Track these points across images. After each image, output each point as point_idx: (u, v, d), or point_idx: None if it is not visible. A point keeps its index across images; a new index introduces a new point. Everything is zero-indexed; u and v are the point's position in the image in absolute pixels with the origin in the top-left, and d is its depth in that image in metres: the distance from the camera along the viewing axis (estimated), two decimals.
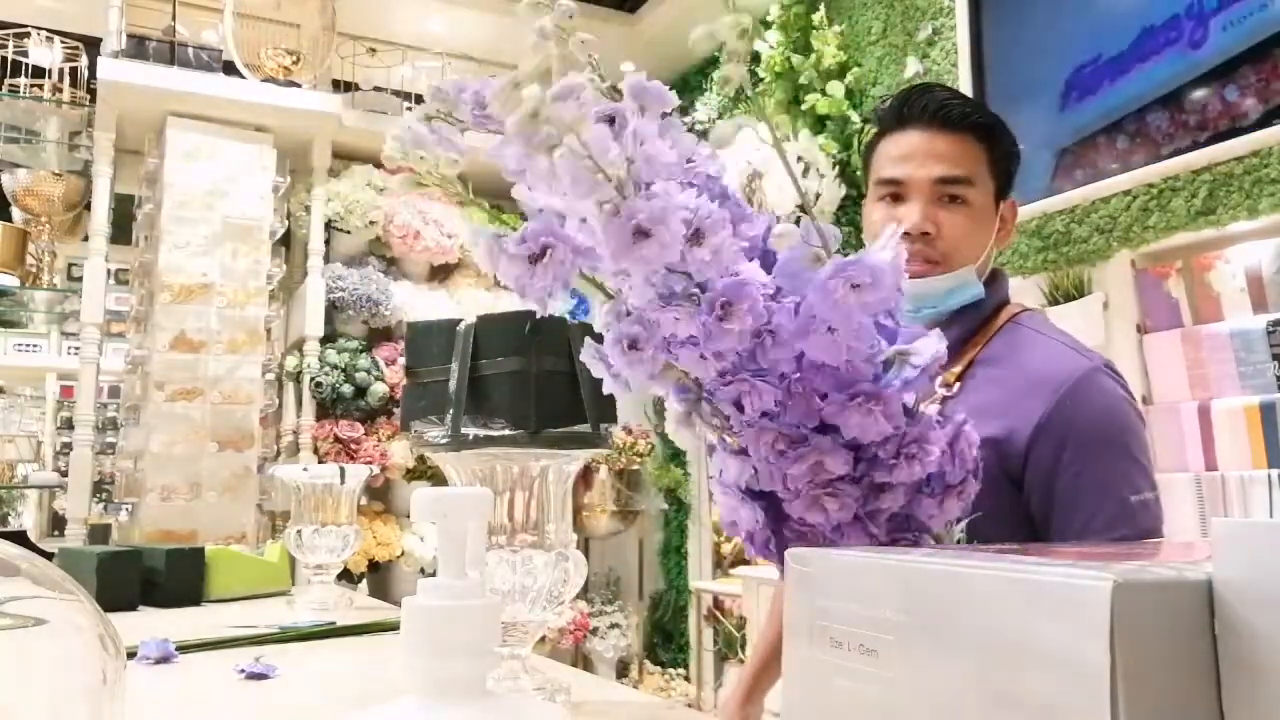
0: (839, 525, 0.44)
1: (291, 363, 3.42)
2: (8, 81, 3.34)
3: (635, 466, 3.94)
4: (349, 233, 3.56)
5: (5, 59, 3.36)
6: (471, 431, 0.80)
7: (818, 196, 3.15)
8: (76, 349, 3.36)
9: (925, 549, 0.43)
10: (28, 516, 4.37)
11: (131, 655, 1.02)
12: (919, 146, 1.13)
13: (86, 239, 3.32)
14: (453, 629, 0.41)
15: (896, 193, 1.14)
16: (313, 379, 3.37)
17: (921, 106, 1.14)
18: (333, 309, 3.46)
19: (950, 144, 1.12)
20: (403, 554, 3.45)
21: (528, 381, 0.80)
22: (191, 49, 3.27)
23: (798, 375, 0.42)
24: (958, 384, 1.07)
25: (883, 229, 0.97)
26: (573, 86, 0.37)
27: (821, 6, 3.31)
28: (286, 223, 3.44)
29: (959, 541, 0.50)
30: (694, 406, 0.45)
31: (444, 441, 0.80)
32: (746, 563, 3.26)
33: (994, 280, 1.17)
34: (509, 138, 0.38)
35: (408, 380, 0.89)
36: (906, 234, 1.08)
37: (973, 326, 1.13)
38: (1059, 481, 1.02)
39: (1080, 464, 1.02)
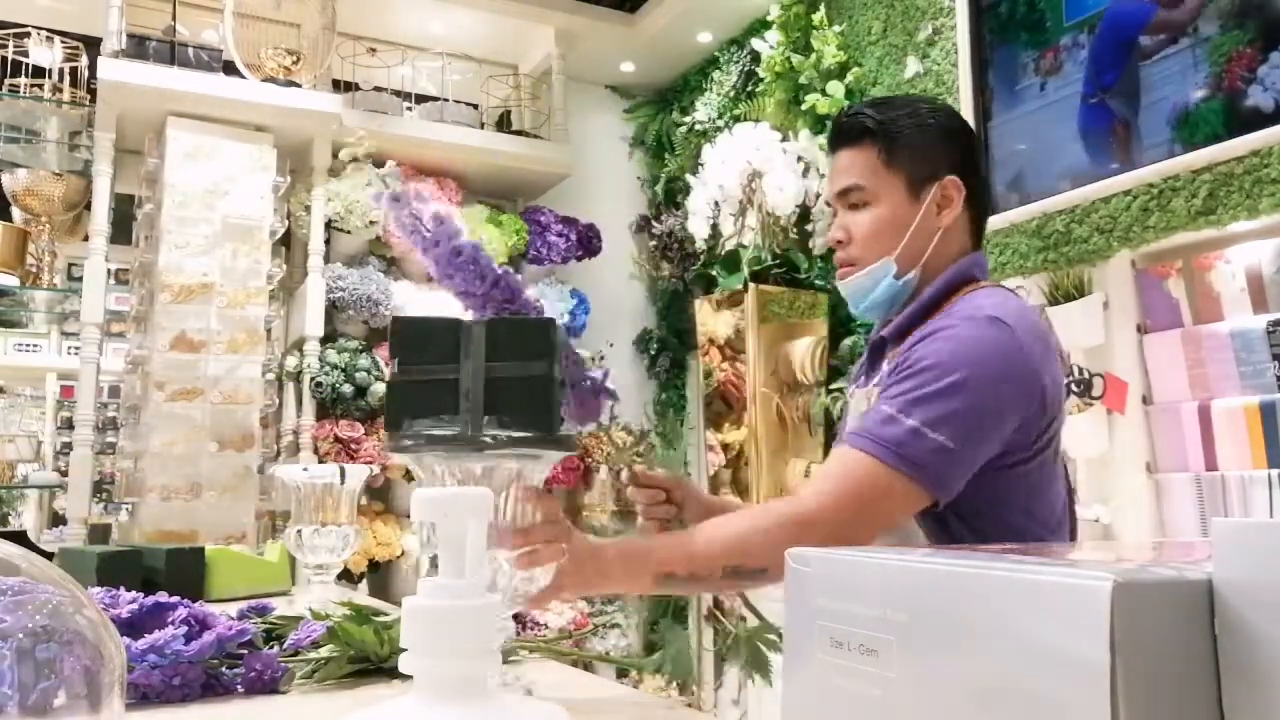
0: None
1: (291, 363, 3.42)
2: (8, 81, 3.33)
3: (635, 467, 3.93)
4: (349, 233, 3.56)
5: (5, 59, 3.36)
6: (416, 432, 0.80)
7: (818, 196, 3.16)
8: (76, 349, 3.36)
9: (925, 550, 0.43)
10: (28, 516, 4.37)
11: None
12: (831, 168, 1.27)
13: (86, 239, 3.32)
14: (453, 629, 0.41)
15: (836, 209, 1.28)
16: (313, 379, 3.37)
17: (829, 133, 1.28)
18: (333, 309, 3.46)
19: (844, 157, 1.23)
20: (403, 554, 3.45)
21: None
22: (191, 49, 3.27)
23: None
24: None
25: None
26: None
27: (821, 6, 3.31)
28: (286, 223, 3.43)
29: None
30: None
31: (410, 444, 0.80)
32: None
33: (952, 261, 1.21)
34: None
35: (394, 378, 0.84)
36: (838, 242, 1.25)
37: (928, 304, 1.19)
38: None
39: (892, 378, 1.09)
